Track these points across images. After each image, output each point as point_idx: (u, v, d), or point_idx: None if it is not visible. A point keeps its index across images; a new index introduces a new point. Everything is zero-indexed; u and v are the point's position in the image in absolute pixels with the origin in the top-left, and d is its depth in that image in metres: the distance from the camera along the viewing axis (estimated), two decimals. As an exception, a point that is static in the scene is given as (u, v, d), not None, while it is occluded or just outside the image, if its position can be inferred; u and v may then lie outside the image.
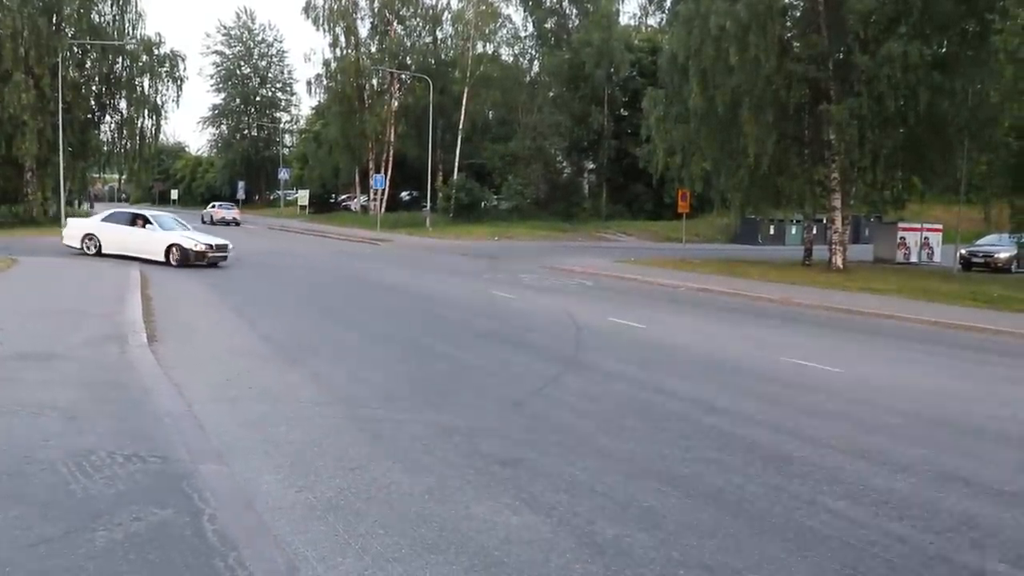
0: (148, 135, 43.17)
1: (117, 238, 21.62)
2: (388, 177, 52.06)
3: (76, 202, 44.37)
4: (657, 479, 5.56)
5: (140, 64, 41.52)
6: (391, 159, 53.63)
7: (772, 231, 44.83)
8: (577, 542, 4.47)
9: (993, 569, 4.34)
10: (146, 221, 21.61)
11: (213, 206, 53.62)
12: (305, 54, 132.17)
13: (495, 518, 4.75)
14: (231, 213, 50.64)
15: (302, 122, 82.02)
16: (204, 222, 47.14)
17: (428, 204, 48.40)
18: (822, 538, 4.66)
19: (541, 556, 4.26)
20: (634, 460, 6.00)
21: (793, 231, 44.07)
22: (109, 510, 4.42)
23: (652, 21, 59.86)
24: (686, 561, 4.27)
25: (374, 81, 54.53)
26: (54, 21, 38.18)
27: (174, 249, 20.54)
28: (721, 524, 4.82)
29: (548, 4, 54.51)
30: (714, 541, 4.56)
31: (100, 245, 21.82)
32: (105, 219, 22.71)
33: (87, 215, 34.23)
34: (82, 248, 22.05)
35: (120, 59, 41.39)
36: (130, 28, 41.96)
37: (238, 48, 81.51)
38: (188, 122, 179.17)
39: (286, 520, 4.58)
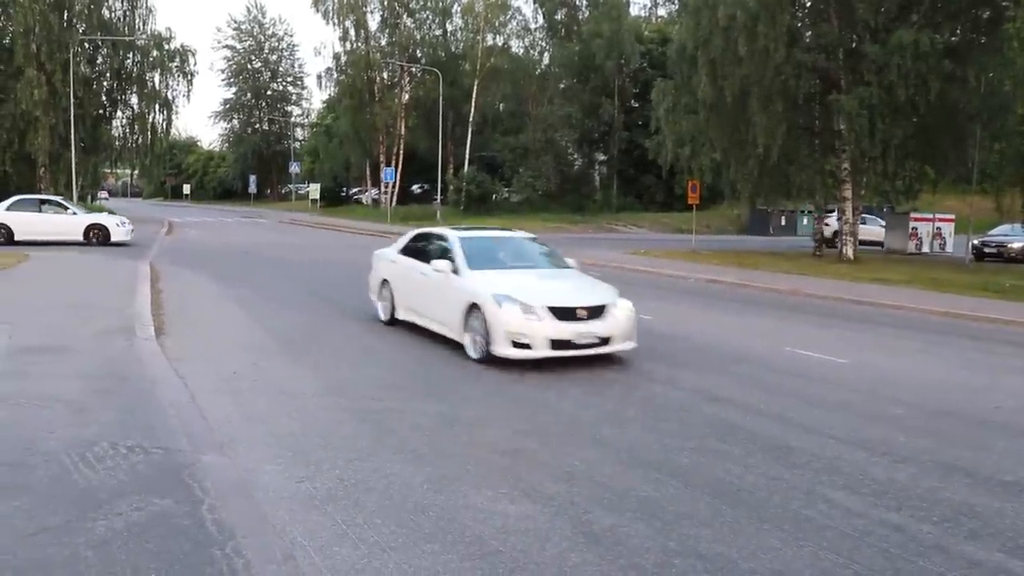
0: (159, 130, 43.25)
1: None
2: (399, 170, 52.08)
3: (88, 197, 44.63)
4: (656, 469, 5.58)
5: (151, 59, 41.61)
6: (402, 152, 53.67)
7: (783, 222, 44.59)
8: (573, 531, 4.50)
9: (989, 558, 4.33)
10: None
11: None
12: (315, 48, 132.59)
13: (493, 507, 4.79)
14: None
15: (313, 116, 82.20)
16: None
17: (439, 197, 48.43)
18: (819, 527, 4.67)
19: (537, 545, 4.29)
20: (634, 450, 6.02)
21: (804, 221, 43.80)
22: (110, 500, 4.48)
23: (662, 12, 59.59)
24: (682, 550, 4.29)
25: (384, 74, 54.50)
26: (65, 17, 38.29)
27: None
28: (718, 513, 4.83)
29: (558, -5, 54.32)
30: (710, 530, 4.58)
31: None
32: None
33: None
34: None
35: (131, 55, 41.52)
36: (140, 23, 42.02)
37: (249, 43, 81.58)
38: (200, 117, 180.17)
39: (285, 510, 4.63)
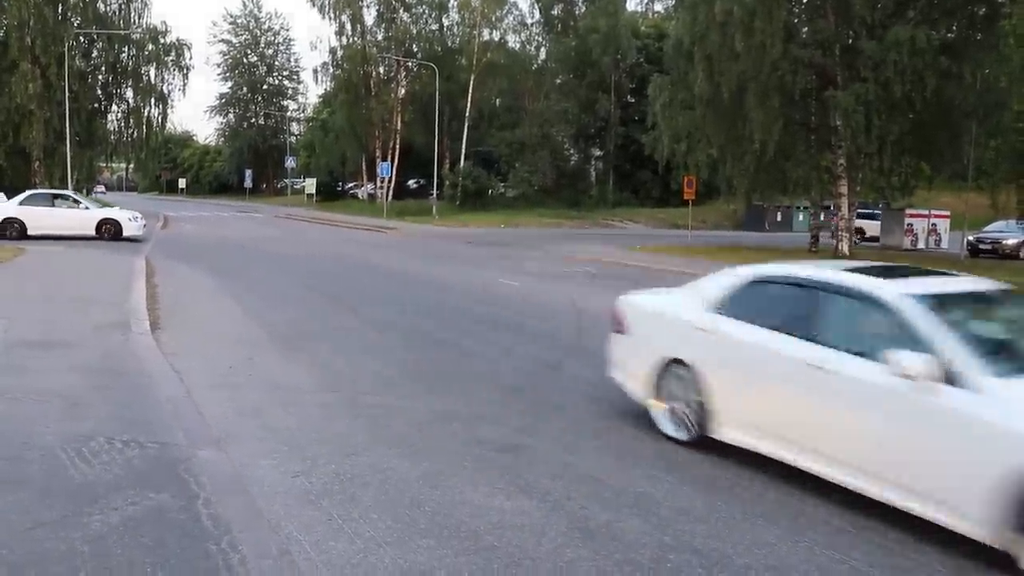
0: (155, 124, 43.12)
1: None
2: (395, 165, 51.99)
3: (84, 191, 44.52)
4: (653, 466, 5.59)
5: (146, 53, 41.45)
6: (398, 147, 53.56)
7: (779, 217, 44.63)
8: (569, 526, 4.51)
9: (983, 554, 4.35)
10: None
11: None
12: (311, 42, 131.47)
13: (489, 503, 4.79)
14: None
15: (309, 110, 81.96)
16: None
17: (435, 192, 48.40)
18: (816, 522, 4.68)
19: (532, 540, 4.30)
20: (633, 446, 6.03)
21: (800, 217, 43.83)
22: (106, 495, 4.48)
23: (659, 7, 59.53)
24: (677, 546, 4.30)
25: (380, 69, 54.37)
26: (60, 10, 38.10)
27: None
28: (714, 509, 4.84)
29: (555, -10, 54.24)
30: (706, 526, 4.59)
31: None
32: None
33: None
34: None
35: (126, 48, 41.33)
36: (136, 17, 41.86)
37: (244, 37, 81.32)
38: (196, 111, 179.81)
39: (281, 505, 4.63)
